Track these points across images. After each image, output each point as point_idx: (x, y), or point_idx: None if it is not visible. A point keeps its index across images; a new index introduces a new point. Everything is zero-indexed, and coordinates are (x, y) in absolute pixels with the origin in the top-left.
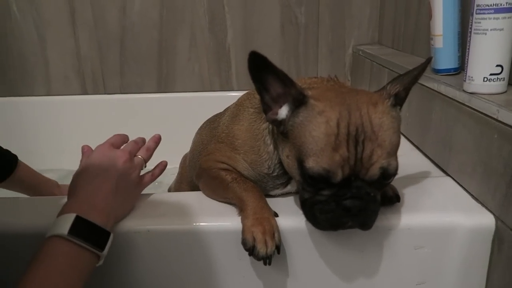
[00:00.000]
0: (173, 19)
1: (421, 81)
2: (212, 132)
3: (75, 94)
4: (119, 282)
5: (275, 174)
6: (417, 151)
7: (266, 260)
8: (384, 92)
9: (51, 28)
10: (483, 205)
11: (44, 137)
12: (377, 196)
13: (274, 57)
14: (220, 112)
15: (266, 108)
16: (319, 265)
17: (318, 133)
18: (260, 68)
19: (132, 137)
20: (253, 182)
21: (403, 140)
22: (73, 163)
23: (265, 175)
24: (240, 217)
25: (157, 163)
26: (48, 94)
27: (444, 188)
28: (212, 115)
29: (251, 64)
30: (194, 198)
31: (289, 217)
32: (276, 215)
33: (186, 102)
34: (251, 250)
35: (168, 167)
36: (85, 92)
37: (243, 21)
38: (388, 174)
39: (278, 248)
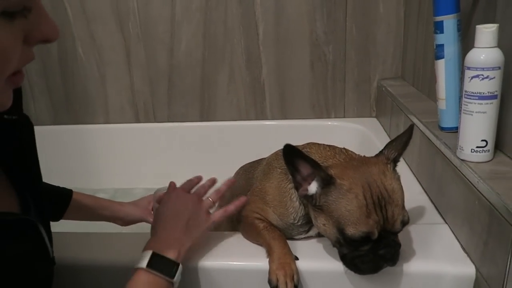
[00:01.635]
0: (214, 58)
1: (428, 136)
2: (248, 181)
3: (130, 123)
4: None
5: (299, 223)
6: (424, 196)
7: None
8: (383, 157)
9: (110, 67)
10: (468, 255)
11: (102, 160)
12: (398, 240)
13: (304, 90)
14: (254, 162)
15: (298, 185)
16: None
17: (352, 207)
18: (292, 155)
19: (181, 162)
20: (281, 230)
21: (413, 183)
22: (127, 182)
23: (291, 224)
24: (268, 260)
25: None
26: (106, 122)
27: (439, 236)
28: (247, 141)
29: (285, 152)
30: (234, 239)
31: (308, 260)
32: (296, 258)
33: (225, 129)
34: None
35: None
36: (138, 121)
37: (276, 59)
38: (405, 223)
39: (297, 287)
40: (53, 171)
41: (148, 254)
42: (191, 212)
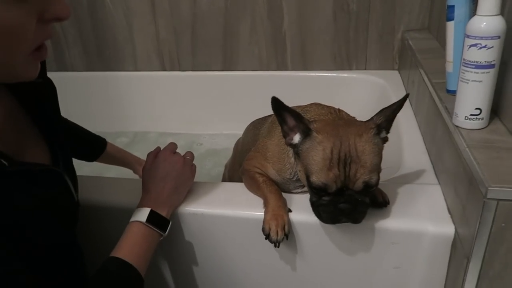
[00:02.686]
0: (236, 7)
1: (434, 97)
2: (254, 137)
3: (156, 71)
4: (175, 250)
5: (295, 178)
6: (426, 156)
7: (276, 244)
8: (371, 122)
9: (137, 17)
10: (451, 217)
11: (131, 105)
12: (365, 200)
13: (326, 41)
14: (262, 118)
15: (285, 134)
16: (320, 249)
17: (318, 158)
18: (279, 107)
19: (203, 109)
20: (279, 185)
21: (419, 142)
22: (154, 127)
23: (288, 179)
24: (263, 211)
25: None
26: (135, 70)
27: (429, 196)
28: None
29: (273, 105)
30: (239, 190)
31: (300, 212)
32: (290, 211)
33: (246, 79)
34: (267, 236)
35: (227, 132)
36: (163, 69)
37: (298, 9)
38: (370, 185)
39: (287, 236)
40: (85, 114)
41: (147, 211)
42: (179, 172)
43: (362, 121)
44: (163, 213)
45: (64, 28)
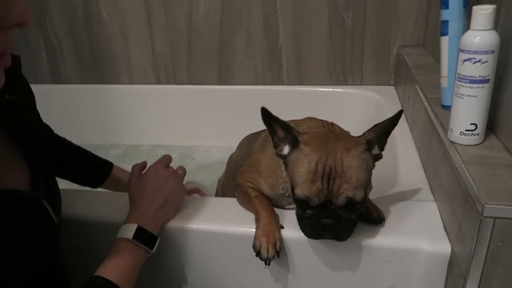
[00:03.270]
0: (231, 21)
1: (429, 112)
2: (248, 151)
3: (151, 84)
4: (164, 266)
5: (288, 194)
6: (421, 171)
7: (267, 261)
8: (362, 138)
9: (132, 30)
10: (447, 234)
11: (125, 117)
12: (350, 217)
13: (322, 56)
14: (256, 133)
15: (276, 145)
16: (312, 266)
17: (303, 170)
18: (268, 118)
19: (198, 123)
20: (272, 200)
21: (414, 157)
22: (147, 139)
23: (281, 194)
24: (255, 226)
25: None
26: (130, 83)
27: (425, 213)
28: (264, 105)
29: (262, 116)
30: (230, 205)
31: (293, 229)
32: (282, 227)
33: (242, 93)
34: (257, 253)
35: (222, 145)
36: (159, 82)
37: (293, 24)
38: (353, 202)
39: (278, 253)
40: (78, 127)
41: (134, 227)
42: (170, 187)
43: (353, 136)
44: (151, 229)
45: (60, 41)
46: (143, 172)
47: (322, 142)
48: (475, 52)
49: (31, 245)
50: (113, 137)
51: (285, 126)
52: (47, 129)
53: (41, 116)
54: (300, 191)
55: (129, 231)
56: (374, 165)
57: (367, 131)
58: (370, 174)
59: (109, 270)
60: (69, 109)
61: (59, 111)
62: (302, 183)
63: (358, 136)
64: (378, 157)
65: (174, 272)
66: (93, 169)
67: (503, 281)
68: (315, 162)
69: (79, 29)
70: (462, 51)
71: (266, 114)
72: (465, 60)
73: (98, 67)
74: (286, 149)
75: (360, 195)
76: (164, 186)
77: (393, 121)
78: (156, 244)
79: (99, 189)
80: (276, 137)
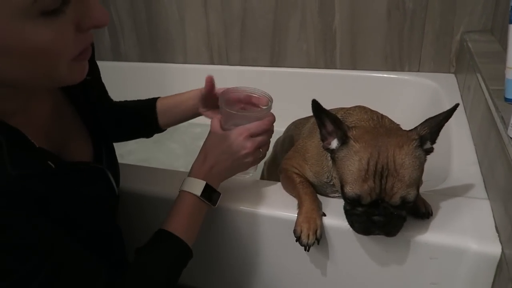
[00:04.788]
0: (287, 2)
1: (490, 105)
2: (295, 137)
3: (205, 64)
4: (207, 245)
5: (332, 183)
6: (477, 167)
7: (306, 247)
8: (414, 133)
9: (189, 10)
10: (499, 235)
11: None
12: (401, 213)
13: (378, 40)
14: (304, 118)
15: (323, 138)
16: (352, 256)
17: (353, 168)
18: (318, 110)
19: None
20: (316, 187)
21: (470, 152)
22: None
23: (325, 183)
24: (297, 212)
25: None
26: (184, 62)
27: (476, 211)
28: (315, 90)
29: (313, 107)
30: (275, 188)
31: (335, 217)
32: (324, 215)
33: (293, 76)
34: (298, 238)
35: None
36: (212, 63)
37: (350, 6)
38: (407, 201)
39: (318, 240)
40: None
41: (202, 184)
42: (243, 157)
43: (404, 131)
44: (216, 185)
45: (121, 19)
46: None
47: (373, 138)
48: None
49: (96, 211)
50: None
51: (335, 120)
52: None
53: None
54: (351, 190)
55: (198, 187)
56: (426, 160)
57: (419, 125)
58: (422, 171)
59: (175, 224)
60: (127, 86)
61: (117, 87)
62: (353, 182)
63: (410, 131)
64: (429, 151)
65: (215, 251)
66: (141, 115)
67: None
68: (366, 160)
69: (139, 8)
70: None
71: (317, 107)
72: None
73: (155, 46)
74: (334, 143)
75: (414, 193)
76: (239, 154)
77: (447, 116)
78: (219, 200)
79: (157, 163)
80: (324, 130)
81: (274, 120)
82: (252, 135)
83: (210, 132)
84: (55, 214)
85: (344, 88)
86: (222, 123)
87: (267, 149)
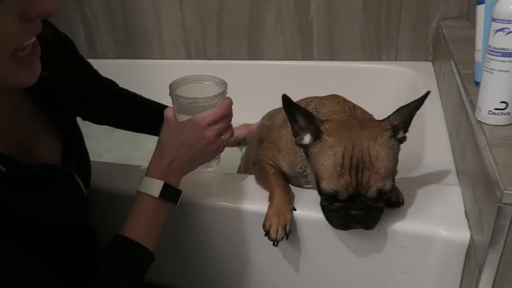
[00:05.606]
0: None
1: (460, 89)
2: (268, 129)
3: (182, 59)
4: (175, 242)
5: (305, 173)
6: (450, 154)
7: (275, 242)
8: (387, 123)
9: (164, 5)
10: (468, 221)
11: (157, 93)
12: (379, 205)
13: (354, 29)
14: (279, 108)
15: (295, 133)
16: (325, 248)
17: (328, 163)
18: (289, 106)
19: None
20: (290, 179)
21: (444, 139)
22: None
23: (299, 173)
24: (268, 205)
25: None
26: (162, 58)
27: (447, 198)
28: (293, 82)
29: (283, 103)
30: (243, 181)
31: (307, 209)
32: (294, 209)
33: (272, 69)
34: (266, 233)
35: (250, 121)
36: (189, 58)
37: None
38: (384, 192)
39: (287, 235)
40: None
41: (160, 184)
42: (203, 147)
43: (377, 121)
44: (176, 183)
45: (96, 17)
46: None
47: (346, 131)
48: (509, 21)
49: (62, 216)
50: None
51: (307, 114)
52: (110, 84)
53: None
54: (328, 186)
55: (155, 188)
56: (399, 149)
57: (391, 115)
58: (397, 161)
59: (134, 229)
60: None
61: None
62: (328, 177)
63: (382, 121)
64: (402, 139)
65: (184, 247)
66: (154, 114)
67: None
68: (341, 154)
69: (113, 4)
70: (494, 20)
71: (287, 102)
72: (497, 31)
73: (132, 43)
74: (307, 139)
75: (390, 184)
76: (198, 146)
77: (419, 104)
78: (180, 197)
79: (134, 162)
80: (296, 126)
81: (231, 104)
82: (211, 124)
83: (164, 123)
84: (16, 221)
85: (323, 79)
86: (176, 115)
87: (231, 135)
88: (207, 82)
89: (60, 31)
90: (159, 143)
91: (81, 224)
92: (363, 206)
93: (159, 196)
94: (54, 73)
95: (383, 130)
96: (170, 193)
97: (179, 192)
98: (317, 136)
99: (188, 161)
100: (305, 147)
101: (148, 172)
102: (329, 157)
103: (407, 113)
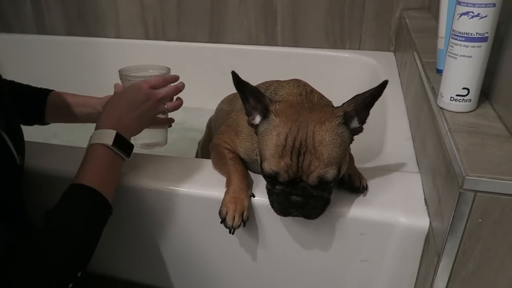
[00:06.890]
0: None
1: (422, 77)
2: (227, 114)
3: (140, 39)
4: (128, 227)
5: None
6: (410, 141)
7: (231, 230)
8: (340, 109)
9: None
10: (427, 208)
11: (111, 73)
12: (323, 195)
13: (319, 16)
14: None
15: (248, 113)
16: (283, 236)
17: (271, 143)
18: (239, 84)
19: (187, 81)
20: (247, 165)
21: (404, 126)
22: None
23: (255, 160)
24: (224, 191)
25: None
26: (117, 37)
27: (407, 185)
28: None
29: (234, 80)
30: (204, 166)
31: (264, 196)
32: (253, 195)
33: (234, 53)
34: (223, 220)
35: (210, 107)
36: (147, 38)
37: None
38: (325, 181)
39: (244, 223)
40: (61, 80)
41: (113, 133)
42: (148, 109)
43: (330, 107)
44: (126, 136)
45: None
46: None
47: (295, 112)
48: (474, 5)
49: None
50: (97, 93)
51: (256, 93)
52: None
53: (24, 67)
54: (268, 166)
55: (108, 137)
56: (352, 140)
57: (346, 102)
58: (345, 150)
59: (91, 177)
60: (53, 61)
61: (42, 63)
62: (270, 157)
63: (336, 108)
64: (357, 130)
65: (139, 233)
66: (30, 100)
67: (481, 261)
68: (284, 135)
69: None
70: (459, 3)
71: (237, 79)
72: (462, 14)
73: (84, 19)
74: (258, 119)
75: (333, 172)
76: (145, 107)
77: (376, 93)
78: (132, 151)
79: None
80: (248, 105)
81: (176, 77)
82: (154, 88)
83: (113, 94)
84: None
85: (286, 65)
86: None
87: (174, 107)
88: (152, 70)
89: None
90: (106, 105)
91: (14, 191)
92: (304, 192)
93: (112, 144)
94: None
95: (334, 116)
96: (123, 144)
97: (131, 145)
98: (265, 115)
99: (136, 118)
100: (256, 127)
101: (99, 126)
102: (272, 137)
103: (360, 101)
